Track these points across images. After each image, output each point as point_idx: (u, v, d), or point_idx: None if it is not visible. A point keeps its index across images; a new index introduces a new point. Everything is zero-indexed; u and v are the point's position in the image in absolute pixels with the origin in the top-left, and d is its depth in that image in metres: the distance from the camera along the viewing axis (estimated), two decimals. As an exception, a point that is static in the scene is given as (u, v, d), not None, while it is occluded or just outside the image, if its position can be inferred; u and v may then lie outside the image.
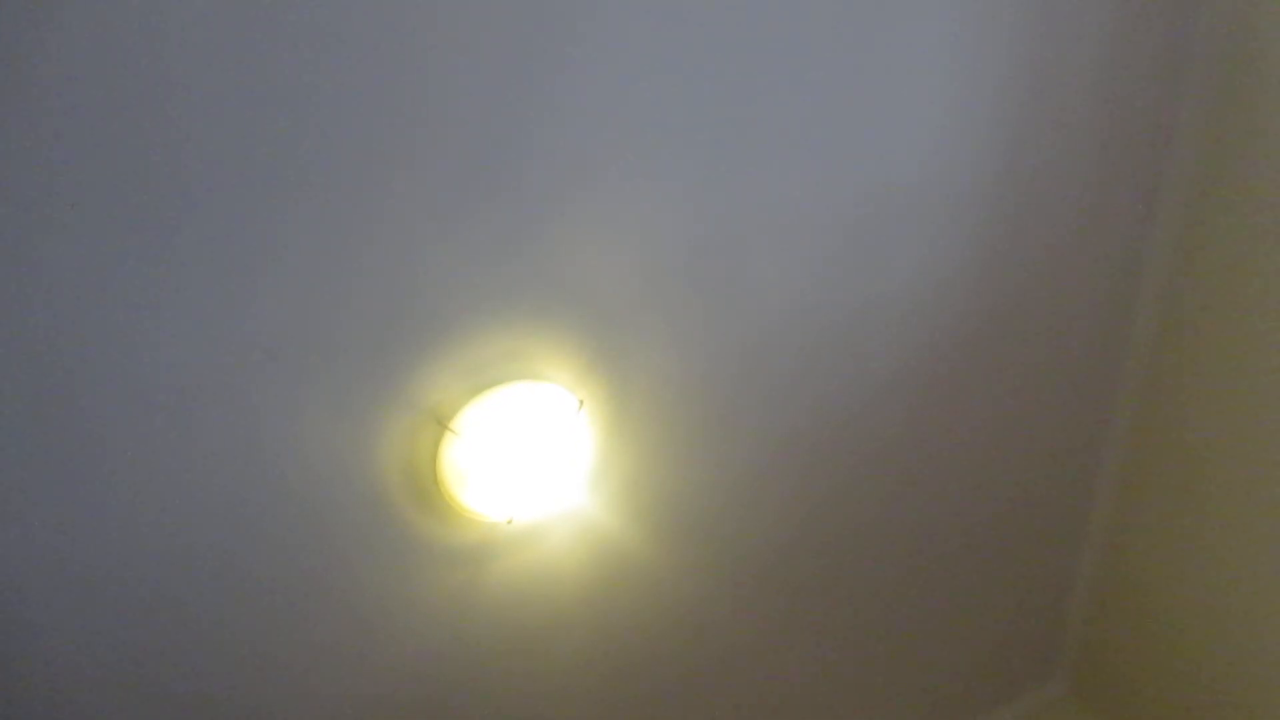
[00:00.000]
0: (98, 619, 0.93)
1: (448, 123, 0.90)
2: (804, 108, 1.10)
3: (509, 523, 1.06)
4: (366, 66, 0.84)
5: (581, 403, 1.07)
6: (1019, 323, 1.48)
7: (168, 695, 1.01)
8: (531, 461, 1.04)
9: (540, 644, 1.27)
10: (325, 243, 0.89)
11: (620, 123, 0.99)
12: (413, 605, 1.12)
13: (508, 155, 0.94)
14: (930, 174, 1.24)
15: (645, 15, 0.95)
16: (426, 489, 1.06)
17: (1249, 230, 1.44)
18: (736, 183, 1.10)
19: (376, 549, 1.06)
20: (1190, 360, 1.60)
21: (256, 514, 0.97)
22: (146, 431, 0.88)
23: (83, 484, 0.87)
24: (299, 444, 0.96)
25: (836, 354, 1.31)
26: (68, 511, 0.87)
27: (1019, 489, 1.70)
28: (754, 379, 1.25)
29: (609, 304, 1.09)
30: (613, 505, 1.22)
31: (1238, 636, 1.67)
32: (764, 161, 1.10)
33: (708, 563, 1.37)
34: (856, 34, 1.10)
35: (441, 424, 1.02)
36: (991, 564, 1.77)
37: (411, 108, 0.87)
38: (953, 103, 1.21)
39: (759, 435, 1.30)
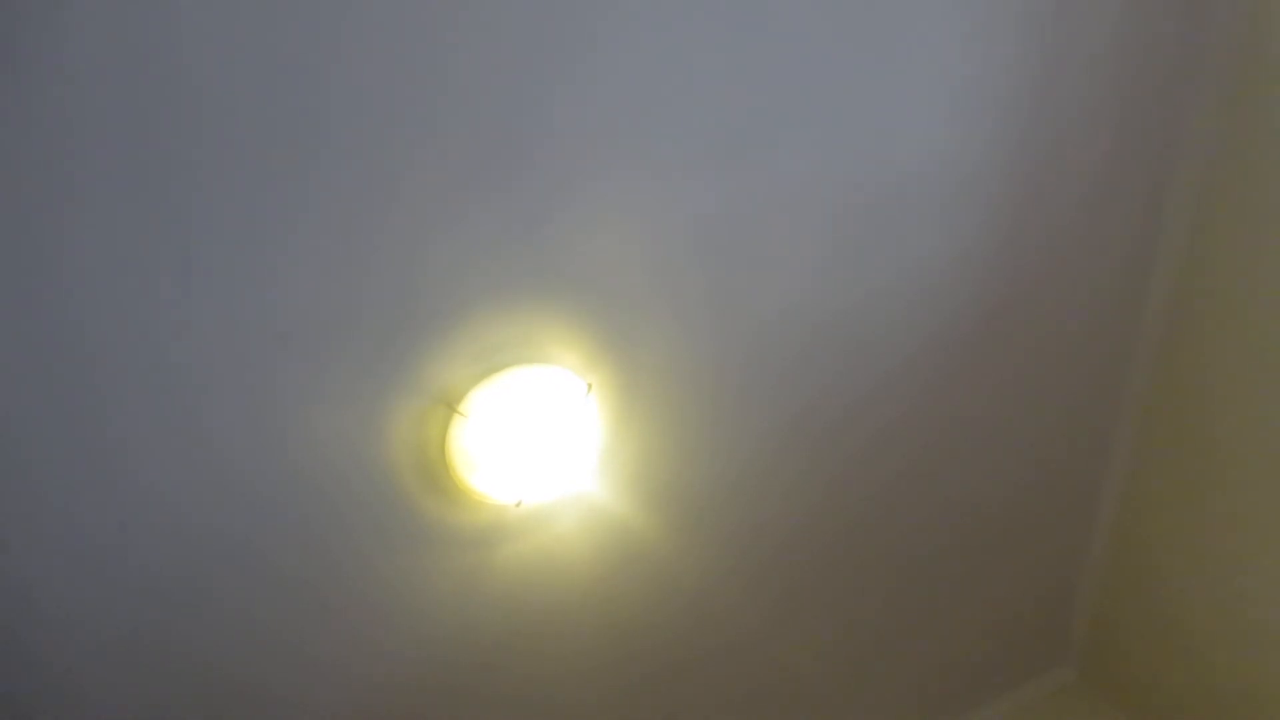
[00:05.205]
0: (110, 601, 0.94)
1: (460, 110, 0.90)
2: (813, 93, 1.09)
3: (517, 506, 1.07)
4: (384, 52, 0.83)
5: (590, 386, 1.07)
6: (1030, 304, 1.47)
7: (178, 674, 1.02)
8: (540, 445, 1.04)
9: (547, 626, 1.28)
10: (338, 228, 0.89)
11: (632, 109, 0.99)
12: (421, 587, 1.13)
13: (520, 142, 0.94)
14: (942, 155, 1.23)
15: (657, 2, 0.95)
16: (436, 472, 1.06)
17: (1261, 210, 1.43)
18: (745, 169, 1.09)
19: (386, 531, 1.07)
20: (1202, 345, 1.58)
21: (268, 497, 0.98)
22: (160, 415, 0.88)
23: (98, 467, 0.88)
24: (311, 427, 0.96)
25: (846, 337, 1.30)
26: (83, 494, 0.88)
27: (1028, 473, 1.70)
28: (763, 363, 1.25)
29: (618, 289, 1.08)
30: (621, 489, 1.22)
31: (1247, 621, 1.67)
32: (773, 147, 1.10)
33: (716, 546, 1.38)
34: (866, 18, 1.08)
35: (451, 407, 1.02)
36: (1000, 549, 1.77)
37: (425, 95, 0.87)
38: (964, 84, 1.20)
39: (768, 419, 1.30)
